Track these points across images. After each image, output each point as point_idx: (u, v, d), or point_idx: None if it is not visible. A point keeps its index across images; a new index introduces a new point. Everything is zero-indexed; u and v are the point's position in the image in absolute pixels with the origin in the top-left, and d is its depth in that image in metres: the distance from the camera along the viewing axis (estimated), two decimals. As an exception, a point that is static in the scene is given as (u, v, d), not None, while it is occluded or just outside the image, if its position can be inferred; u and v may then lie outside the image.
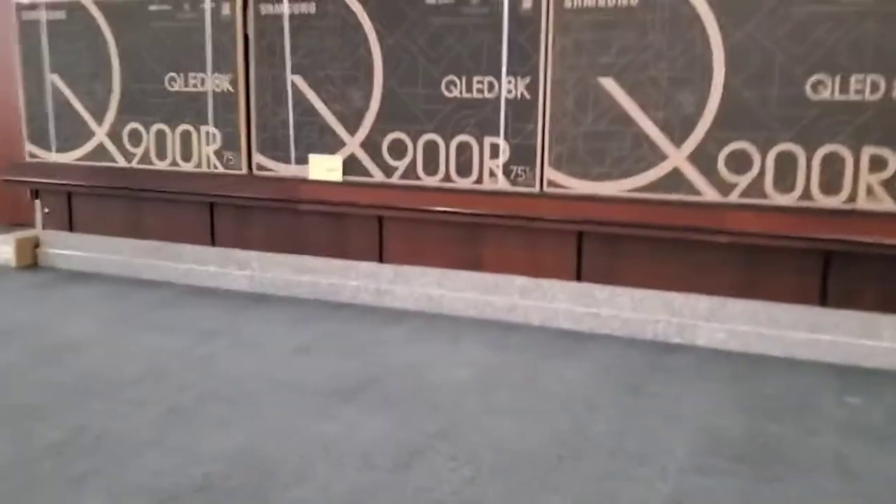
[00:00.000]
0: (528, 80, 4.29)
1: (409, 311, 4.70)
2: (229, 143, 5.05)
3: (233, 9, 4.90)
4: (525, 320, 4.48)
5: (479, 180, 4.47)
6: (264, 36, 4.86)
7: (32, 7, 5.53)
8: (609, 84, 4.13)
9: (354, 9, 4.61)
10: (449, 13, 4.41)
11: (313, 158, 4.83)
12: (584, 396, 3.45)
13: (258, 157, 4.99)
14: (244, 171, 5.03)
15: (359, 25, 4.61)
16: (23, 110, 5.69)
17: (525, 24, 4.26)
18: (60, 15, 5.45)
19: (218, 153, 5.09)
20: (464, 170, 4.50)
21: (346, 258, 4.93)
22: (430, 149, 4.56)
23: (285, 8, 4.77)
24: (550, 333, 4.32)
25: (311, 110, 4.80)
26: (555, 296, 4.43)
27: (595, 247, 4.35)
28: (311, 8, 4.71)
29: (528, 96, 4.31)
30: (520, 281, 4.51)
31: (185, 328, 4.39)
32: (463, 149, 4.49)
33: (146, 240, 5.48)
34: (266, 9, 4.83)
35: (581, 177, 4.24)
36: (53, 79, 5.53)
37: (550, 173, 4.31)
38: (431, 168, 4.57)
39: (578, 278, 4.40)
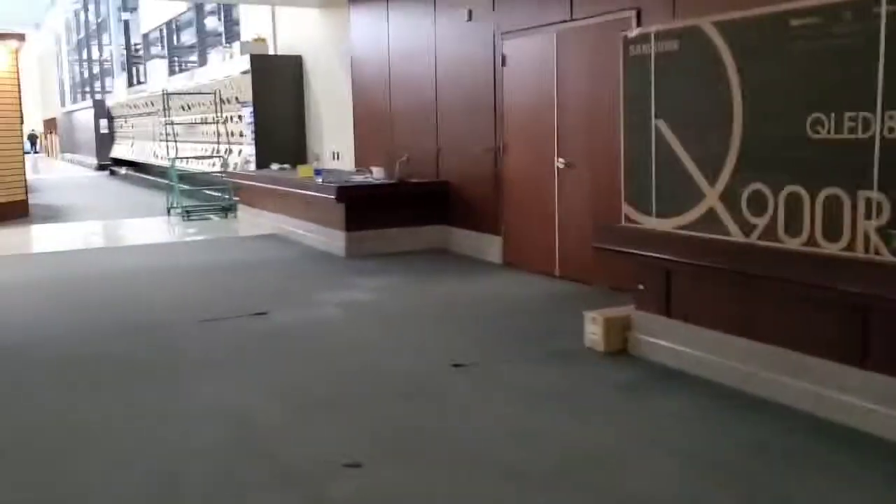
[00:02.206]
0: None
1: None
2: (905, 217, 3.23)
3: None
4: None
5: None
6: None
7: (642, 39, 4.49)
8: None
9: None
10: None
11: None
12: None
13: (956, 243, 3.07)
14: (928, 262, 3.16)
15: None
16: (622, 164, 4.71)
17: None
18: (672, 45, 4.29)
19: (883, 232, 3.31)
20: None
21: None
22: None
23: None
24: None
25: None
26: None
27: None
28: None
29: None
30: None
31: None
32: None
33: (761, 343, 3.96)
34: None
35: None
36: (659, 125, 4.41)
37: None
38: None
39: None
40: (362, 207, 8.31)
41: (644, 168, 4.50)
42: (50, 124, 40.97)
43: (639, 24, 5.81)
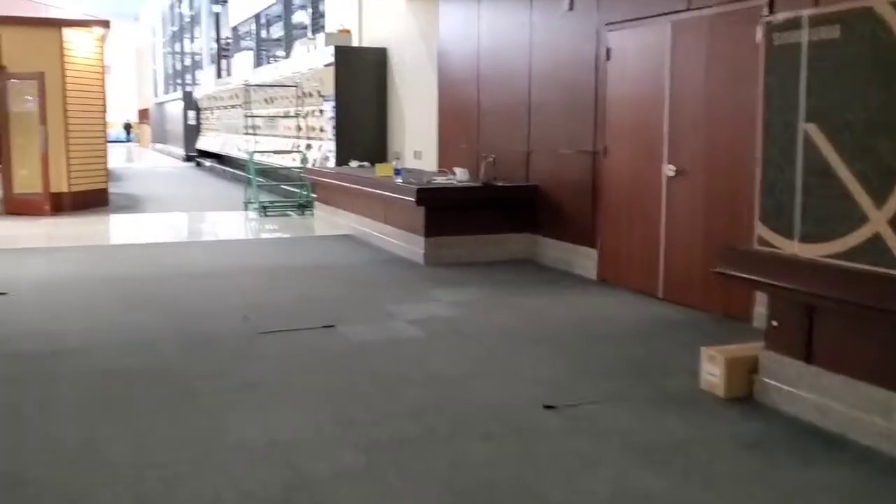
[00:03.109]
0: None
1: None
2: None
3: None
4: None
5: None
6: None
7: (790, 25, 3.72)
8: None
9: None
10: None
11: None
12: None
13: None
14: None
15: None
16: (758, 175, 3.94)
17: None
18: (832, 32, 3.51)
19: None
20: None
21: None
22: None
23: None
24: None
25: None
26: None
27: None
28: None
29: None
30: None
31: None
32: None
33: (939, 406, 3.15)
34: None
35: None
36: (808, 130, 3.62)
37: None
38: None
39: None
40: (444, 211, 7.68)
41: (786, 181, 3.73)
42: (144, 114, 41.91)
43: (771, 12, 5.00)
